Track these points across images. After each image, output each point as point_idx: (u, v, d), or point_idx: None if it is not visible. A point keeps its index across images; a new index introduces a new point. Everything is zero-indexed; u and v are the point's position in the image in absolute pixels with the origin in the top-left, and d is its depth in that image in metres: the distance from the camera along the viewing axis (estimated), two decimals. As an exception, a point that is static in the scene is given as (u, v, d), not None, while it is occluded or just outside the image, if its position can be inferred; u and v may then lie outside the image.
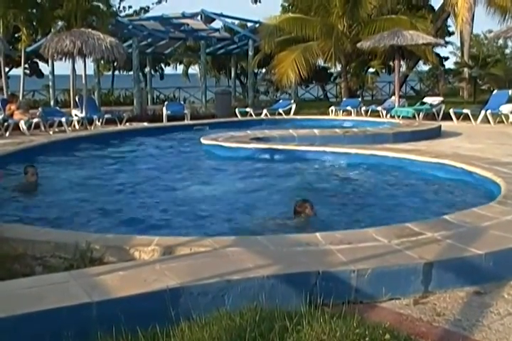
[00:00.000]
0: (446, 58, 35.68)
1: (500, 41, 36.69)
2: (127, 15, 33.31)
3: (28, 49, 24.48)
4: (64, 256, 4.98)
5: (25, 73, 25.02)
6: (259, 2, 34.10)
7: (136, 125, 18.39)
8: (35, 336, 3.49)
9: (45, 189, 9.44)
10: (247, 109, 21.99)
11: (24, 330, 3.50)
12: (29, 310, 3.56)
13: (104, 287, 3.94)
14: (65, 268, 4.76)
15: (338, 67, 27.78)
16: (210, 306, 3.88)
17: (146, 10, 37.04)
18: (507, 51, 41.31)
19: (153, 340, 3.43)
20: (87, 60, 18.71)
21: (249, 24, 31.11)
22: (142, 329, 3.53)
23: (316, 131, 14.37)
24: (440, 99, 21.10)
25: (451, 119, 18.62)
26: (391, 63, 29.13)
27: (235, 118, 20.39)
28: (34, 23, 22.31)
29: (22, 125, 16.57)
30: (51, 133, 16.63)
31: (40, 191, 9.33)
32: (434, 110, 19.77)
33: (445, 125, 16.44)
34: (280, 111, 21.66)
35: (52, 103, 24.77)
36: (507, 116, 17.51)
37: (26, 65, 28.83)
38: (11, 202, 8.38)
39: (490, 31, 35.79)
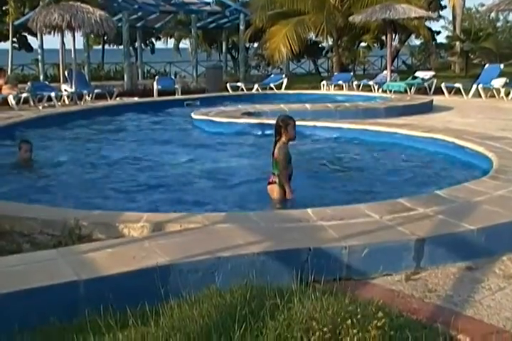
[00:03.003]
0: (438, 32, 35.56)
1: (492, 15, 36.43)
2: (117, -11, 32.81)
3: (16, 22, 24.15)
4: (52, 233, 4.93)
5: (13, 47, 24.75)
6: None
7: (126, 100, 18.21)
8: (22, 314, 3.44)
9: (39, 165, 9.34)
10: (239, 84, 21.85)
11: (11, 309, 3.45)
12: (16, 289, 3.52)
13: (92, 264, 3.89)
14: (53, 245, 4.72)
15: (330, 42, 27.60)
16: (200, 283, 3.84)
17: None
18: (499, 24, 41.12)
19: (142, 318, 3.38)
20: (76, 34, 18.44)
21: (240, -3, 30.78)
22: (131, 307, 3.49)
23: (307, 105, 14.30)
24: (432, 73, 21.03)
25: (443, 94, 18.59)
26: (383, 37, 28.96)
27: (226, 93, 20.25)
28: (22, -4, 21.99)
29: (11, 100, 16.37)
30: (40, 108, 16.44)
31: (34, 167, 9.23)
32: (425, 84, 19.70)
33: (437, 99, 16.40)
34: (272, 85, 21.56)
35: (41, 77, 24.47)
36: (498, 90, 17.45)
37: (14, 39, 28.45)
38: (4, 179, 8.29)
39: (482, 5, 35.56)
